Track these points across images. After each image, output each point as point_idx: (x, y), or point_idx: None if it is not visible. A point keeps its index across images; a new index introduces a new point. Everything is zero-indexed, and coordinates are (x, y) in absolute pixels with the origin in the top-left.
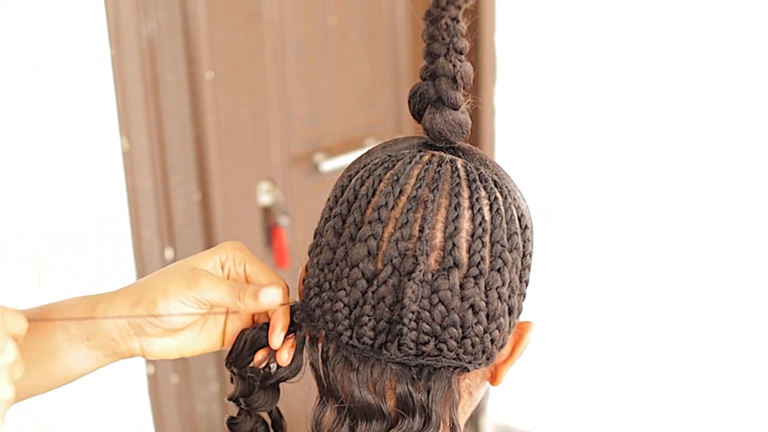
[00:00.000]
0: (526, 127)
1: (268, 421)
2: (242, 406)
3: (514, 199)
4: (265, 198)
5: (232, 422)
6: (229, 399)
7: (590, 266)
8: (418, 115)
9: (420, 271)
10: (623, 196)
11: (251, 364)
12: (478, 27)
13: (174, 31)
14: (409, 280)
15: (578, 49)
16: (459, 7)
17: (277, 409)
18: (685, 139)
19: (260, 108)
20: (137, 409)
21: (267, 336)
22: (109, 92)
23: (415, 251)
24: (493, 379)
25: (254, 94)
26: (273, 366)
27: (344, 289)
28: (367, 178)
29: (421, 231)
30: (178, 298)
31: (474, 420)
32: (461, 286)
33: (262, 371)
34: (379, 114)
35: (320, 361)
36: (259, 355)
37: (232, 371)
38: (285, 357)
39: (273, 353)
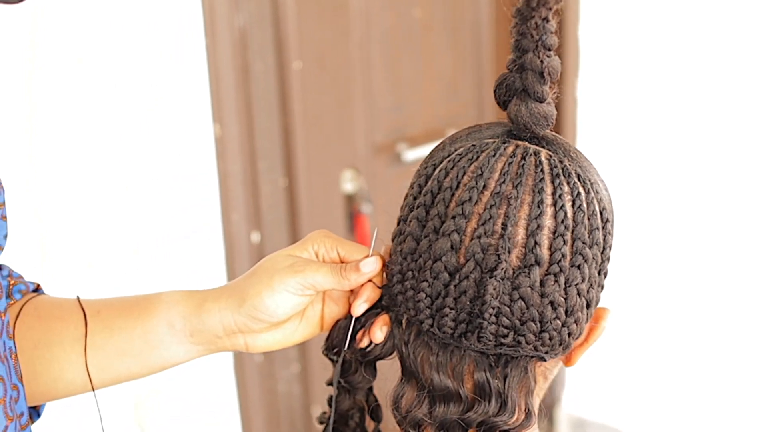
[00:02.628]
0: (608, 120)
1: (365, 408)
2: (345, 387)
3: (596, 192)
4: (348, 186)
5: (331, 401)
6: (328, 383)
7: (678, 262)
8: (503, 105)
9: (502, 268)
10: (704, 191)
11: (355, 346)
12: (562, 20)
13: (264, 22)
14: (491, 277)
15: (661, 42)
16: (550, 9)
17: (374, 396)
18: None
19: (345, 97)
20: (223, 385)
21: (362, 325)
22: (204, 80)
23: (497, 248)
24: (567, 361)
25: (339, 83)
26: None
27: (427, 281)
28: (452, 169)
29: (503, 228)
30: (283, 288)
31: (549, 412)
32: (542, 283)
33: (360, 351)
34: (461, 105)
35: (402, 343)
36: (364, 340)
37: (329, 357)
38: (378, 335)
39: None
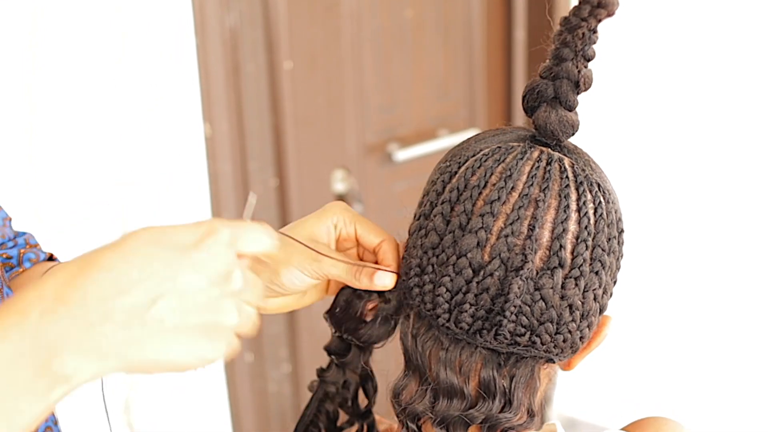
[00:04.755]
0: (600, 123)
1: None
2: (335, 362)
3: (613, 202)
4: (339, 186)
5: (322, 371)
6: (325, 348)
7: (668, 262)
8: (530, 111)
9: (528, 269)
10: (698, 196)
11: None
12: (554, 24)
13: (255, 22)
14: (516, 276)
15: (657, 45)
16: (600, 20)
17: (368, 368)
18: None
19: (336, 98)
20: (213, 385)
21: (362, 304)
22: (194, 80)
23: (524, 248)
24: (567, 365)
25: (331, 84)
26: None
27: (449, 276)
28: (478, 168)
29: (531, 229)
30: (299, 270)
31: (541, 412)
32: (562, 286)
33: (355, 333)
34: (453, 105)
35: (410, 336)
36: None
37: (331, 327)
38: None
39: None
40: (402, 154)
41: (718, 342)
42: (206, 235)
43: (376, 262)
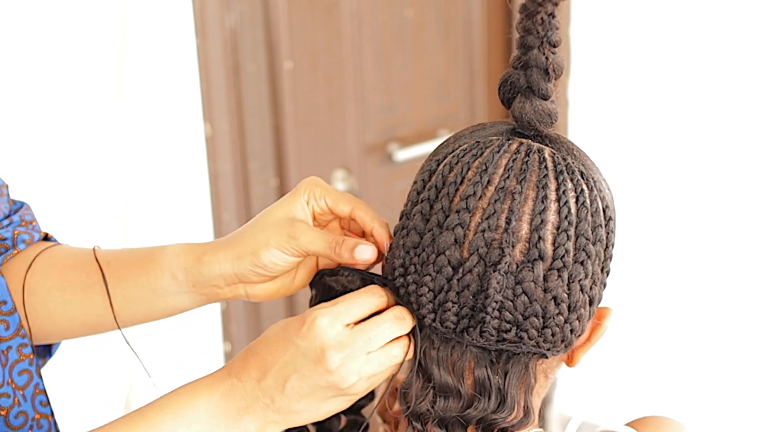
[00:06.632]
0: (600, 121)
1: None
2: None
3: (600, 190)
4: (340, 186)
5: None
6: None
7: (668, 260)
8: (507, 103)
9: (506, 262)
10: (696, 191)
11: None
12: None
13: (255, 22)
14: (494, 271)
15: (653, 42)
16: (555, 4)
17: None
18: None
19: (337, 98)
20: None
21: (343, 284)
22: (195, 80)
23: (501, 242)
24: (570, 361)
25: (331, 84)
26: None
27: (430, 275)
28: (456, 164)
29: (507, 222)
30: (279, 249)
31: (540, 412)
32: (545, 278)
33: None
34: (453, 105)
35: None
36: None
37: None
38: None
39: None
40: (402, 154)
41: (719, 342)
42: (308, 324)
43: (363, 235)
